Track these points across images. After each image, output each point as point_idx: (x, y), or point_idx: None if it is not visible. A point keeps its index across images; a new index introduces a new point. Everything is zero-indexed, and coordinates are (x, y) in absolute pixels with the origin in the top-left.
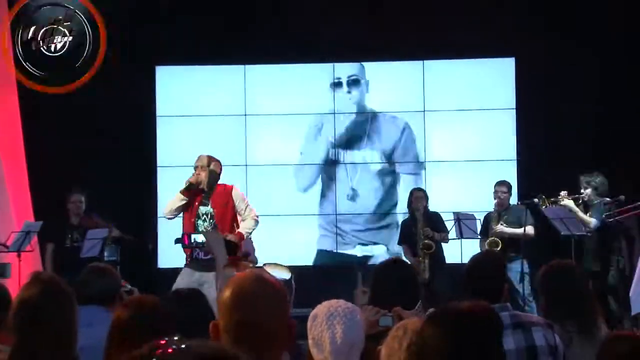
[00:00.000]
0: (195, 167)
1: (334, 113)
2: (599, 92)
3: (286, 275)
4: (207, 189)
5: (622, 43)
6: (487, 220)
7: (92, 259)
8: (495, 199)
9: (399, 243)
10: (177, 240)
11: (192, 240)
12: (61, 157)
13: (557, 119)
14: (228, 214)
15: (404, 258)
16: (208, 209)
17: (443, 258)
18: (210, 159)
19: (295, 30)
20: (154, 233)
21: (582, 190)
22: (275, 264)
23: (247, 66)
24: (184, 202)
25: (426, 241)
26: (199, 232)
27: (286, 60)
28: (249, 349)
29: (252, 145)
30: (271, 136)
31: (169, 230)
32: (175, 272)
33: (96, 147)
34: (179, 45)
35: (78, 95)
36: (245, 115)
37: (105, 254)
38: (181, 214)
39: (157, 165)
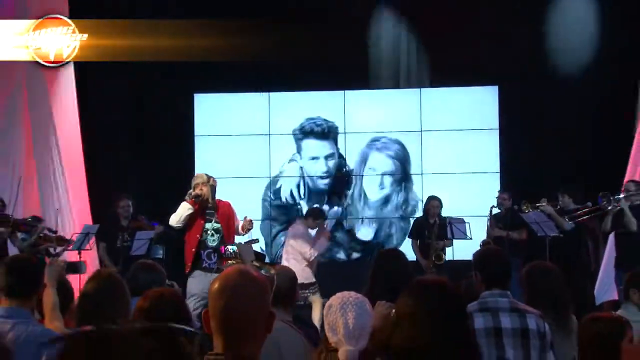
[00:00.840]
0: (197, 184)
1: (345, 133)
2: (570, 114)
3: (270, 272)
4: (210, 203)
5: (592, 71)
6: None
7: (141, 256)
8: (497, 205)
9: (409, 236)
10: None
11: (227, 250)
12: (116, 168)
13: (534, 137)
14: (231, 228)
15: (411, 250)
16: (215, 224)
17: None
18: (209, 176)
19: (311, 62)
20: None
21: (559, 198)
22: (264, 262)
23: (271, 93)
24: (191, 211)
25: (439, 252)
26: (209, 248)
27: (303, 88)
28: (231, 332)
29: (275, 160)
30: (291, 152)
31: None
32: None
33: (145, 160)
34: (214, 75)
35: (130, 118)
36: (269, 134)
37: (152, 252)
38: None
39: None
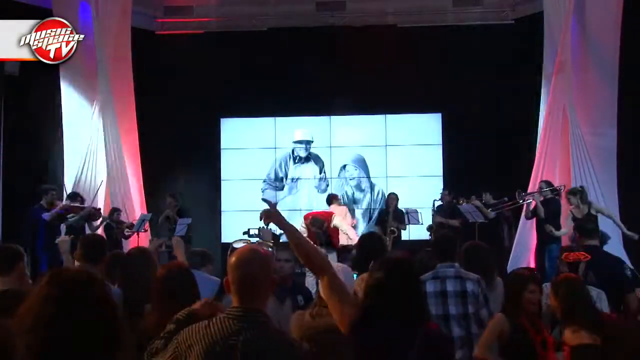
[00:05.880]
0: None
1: (330, 146)
2: (491, 134)
3: (271, 248)
4: None
5: (510, 104)
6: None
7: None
8: (441, 199)
9: (375, 223)
10: (244, 232)
11: (253, 232)
12: (166, 173)
13: (466, 150)
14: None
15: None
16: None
17: (400, 237)
18: None
19: (303, 96)
20: (219, 222)
21: (483, 195)
22: (279, 242)
23: (277, 118)
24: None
25: (393, 229)
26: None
27: (299, 114)
28: (244, 293)
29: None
30: (291, 161)
31: (228, 221)
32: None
33: (183, 168)
34: (235, 104)
35: (173, 137)
36: (275, 148)
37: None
38: None
39: (222, 179)
